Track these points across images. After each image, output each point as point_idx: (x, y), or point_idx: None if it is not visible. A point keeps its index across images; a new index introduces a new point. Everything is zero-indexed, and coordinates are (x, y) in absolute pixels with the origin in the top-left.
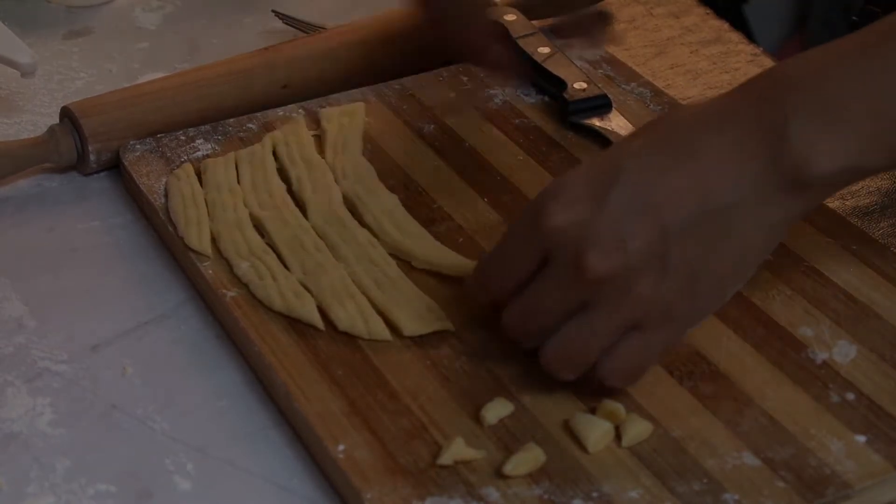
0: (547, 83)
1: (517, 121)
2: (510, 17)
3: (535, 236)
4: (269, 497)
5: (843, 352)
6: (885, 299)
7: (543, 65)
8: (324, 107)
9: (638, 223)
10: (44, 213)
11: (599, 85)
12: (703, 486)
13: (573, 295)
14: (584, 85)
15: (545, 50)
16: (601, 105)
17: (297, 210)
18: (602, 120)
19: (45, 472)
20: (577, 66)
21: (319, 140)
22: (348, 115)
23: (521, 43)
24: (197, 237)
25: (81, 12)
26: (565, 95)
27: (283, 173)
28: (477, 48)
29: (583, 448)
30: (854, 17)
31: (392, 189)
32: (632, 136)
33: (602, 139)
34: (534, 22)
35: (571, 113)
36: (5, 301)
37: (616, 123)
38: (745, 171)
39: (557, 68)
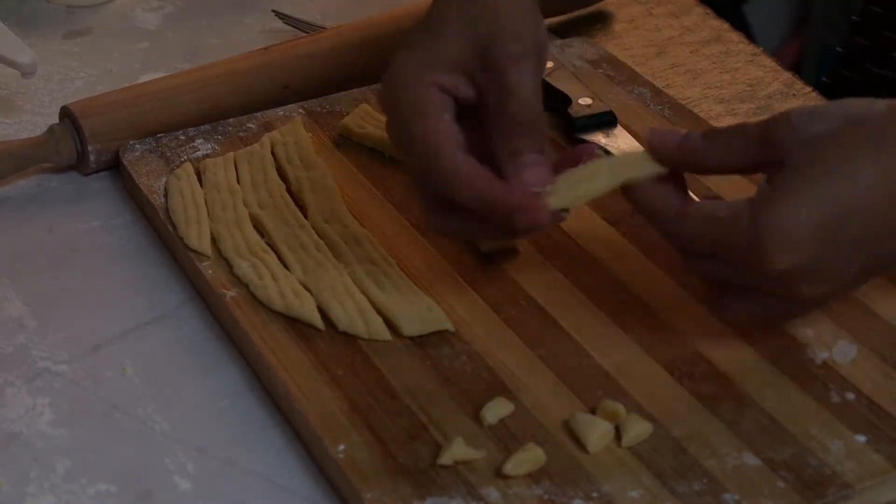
0: (551, 98)
1: None
2: None
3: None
4: (270, 497)
5: (843, 352)
6: (885, 299)
7: (547, 79)
8: (325, 107)
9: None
10: (44, 214)
11: (603, 100)
12: (703, 487)
13: (751, 278)
14: (590, 101)
15: (549, 64)
16: (606, 122)
17: (296, 210)
18: (607, 136)
19: (46, 472)
20: (581, 82)
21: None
22: (373, 116)
23: None
24: (197, 237)
25: (81, 12)
26: (570, 112)
27: (281, 173)
28: None
29: (583, 448)
30: (855, 18)
31: (391, 191)
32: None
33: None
34: None
35: (576, 129)
36: (5, 301)
37: (622, 141)
38: None
39: (561, 83)
